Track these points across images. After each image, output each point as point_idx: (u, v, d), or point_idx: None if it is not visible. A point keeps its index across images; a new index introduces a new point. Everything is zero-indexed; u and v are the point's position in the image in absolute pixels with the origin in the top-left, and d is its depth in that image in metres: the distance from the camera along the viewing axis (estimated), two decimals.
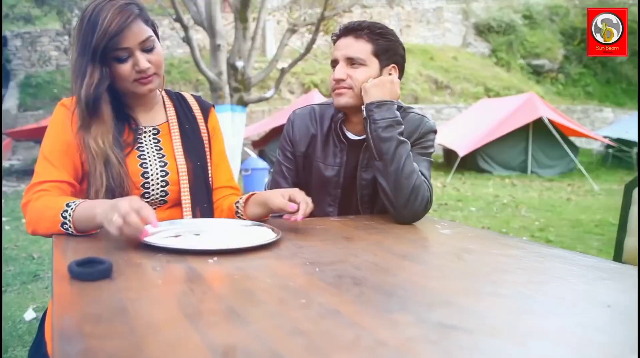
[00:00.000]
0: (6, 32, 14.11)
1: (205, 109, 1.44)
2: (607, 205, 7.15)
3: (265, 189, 1.52)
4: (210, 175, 1.37)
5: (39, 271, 3.34)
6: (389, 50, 1.42)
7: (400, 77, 1.47)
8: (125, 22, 1.15)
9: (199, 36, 9.75)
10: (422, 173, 1.37)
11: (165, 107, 1.38)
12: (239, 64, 7.37)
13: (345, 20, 9.40)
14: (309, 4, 8.77)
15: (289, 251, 0.97)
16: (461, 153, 10.31)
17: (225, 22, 7.66)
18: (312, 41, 7.25)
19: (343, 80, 1.40)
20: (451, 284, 0.80)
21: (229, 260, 0.89)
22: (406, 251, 1.01)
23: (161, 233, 1.05)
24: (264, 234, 1.08)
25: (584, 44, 19.52)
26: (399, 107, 1.44)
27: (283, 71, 7.50)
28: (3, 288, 2.99)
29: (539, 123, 10.71)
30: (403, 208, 1.30)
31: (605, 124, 16.40)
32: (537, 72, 20.28)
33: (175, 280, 0.78)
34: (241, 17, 7.36)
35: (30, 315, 2.74)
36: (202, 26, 7.46)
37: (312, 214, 1.52)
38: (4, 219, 5.41)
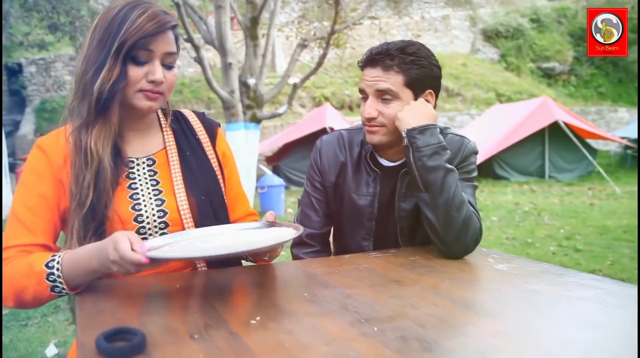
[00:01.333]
0: (21, 59, 14.31)
1: (212, 131, 1.25)
2: (632, 209, 6.95)
3: (295, 221, 1.42)
4: (225, 208, 1.19)
5: (59, 302, 3.27)
6: (423, 77, 1.28)
7: (435, 99, 1.34)
8: (162, 27, 1.05)
9: (209, 54, 9.77)
10: (469, 202, 1.26)
11: (162, 131, 1.19)
12: (251, 81, 7.32)
13: (355, 33, 9.37)
14: (318, 18, 8.73)
15: (337, 303, 0.87)
16: (477, 160, 10.15)
17: (234, 39, 7.64)
18: (324, 55, 7.18)
19: (374, 118, 1.28)
20: (536, 345, 0.70)
21: (273, 321, 0.79)
22: (468, 299, 0.91)
23: (164, 248, 0.95)
24: (283, 233, 0.98)
25: None
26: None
27: (295, 87, 7.44)
28: (24, 322, 2.93)
29: (554, 127, 10.55)
30: (453, 243, 1.19)
31: (621, 124, 16.12)
32: (548, 75, 20.08)
33: (219, 352, 0.69)
34: (251, 34, 7.33)
35: (51, 350, 2.68)
36: (212, 45, 7.44)
37: (346, 249, 1.42)
38: None
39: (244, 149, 7.35)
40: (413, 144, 1.22)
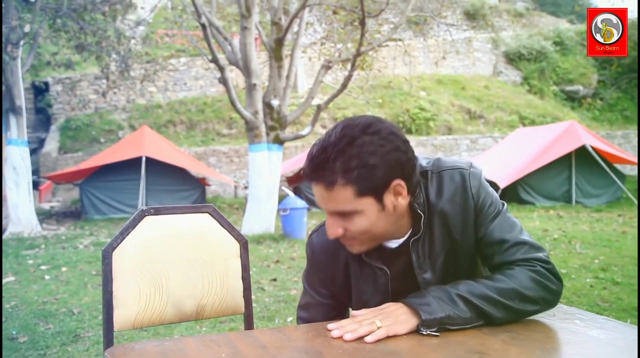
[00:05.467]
0: (48, 78, 14.61)
1: None
2: None
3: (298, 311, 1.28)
4: None
5: (79, 330, 3.18)
6: (381, 175, 1.00)
7: (412, 172, 1.06)
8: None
9: (232, 75, 9.82)
10: (517, 243, 1.07)
11: None
12: (275, 102, 7.29)
13: (379, 55, 9.31)
14: (342, 40, 8.72)
15: None
16: (502, 184, 9.94)
17: (258, 60, 7.64)
18: (349, 77, 7.12)
19: (342, 235, 1.06)
20: None
21: None
22: None
23: None
24: None
25: (621, 68, 19.06)
26: (424, 173, 1.11)
27: (319, 108, 7.39)
28: (42, 351, 2.83)
29: (581, 151, 10.33)
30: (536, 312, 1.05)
31: None
32: (572, 98, 19.84)
33: None
34: (276, 55, 7.32)
35: None
36: (237, 66, 7.46)
37: None
38: (43, 268, 5.34)
39: (266, 171, 7.28)
40: (441, 330, 0.99)
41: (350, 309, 1.22)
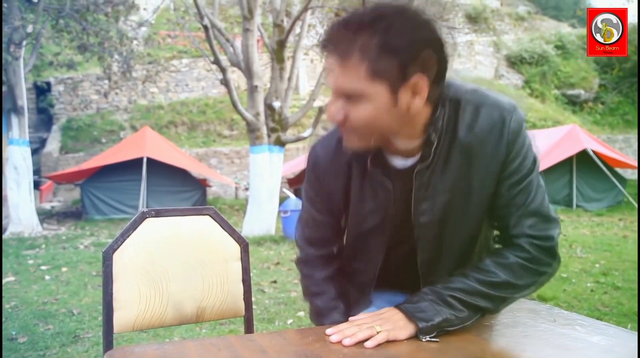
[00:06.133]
0: (50, 78, 14.62)
1: None
2: None
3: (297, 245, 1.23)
4: None
5: (78, 331, 3.17)
6: (399, 60, 0.88)
7: (439, 78, 0.94)
8: None
9: (234, 76, 9.83)
10: (534, 213, 1.00)
11: None
12: (276, 104, 7.30)
13: None
14: None
15: None
16: None
17: (260, 62, 7.65)
18: None
19: (341, 120, 0.95)
20: None
21: None
22: None
23: None
24: None
25: (623, 72, 19.06)
26: (458, 100, 0.98)
27: (321, 110, 7.39)
28: (42, 352, 2.83)
29: (582, 155, 10.34)
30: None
31: None
32: (573, 102, 19.84)
33: None
34: (278, 57, 7.33)
35: None
36: (238, 67, 7.46)
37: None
38: (43, 268, 5.34)
39: (267, 172, 7.28)
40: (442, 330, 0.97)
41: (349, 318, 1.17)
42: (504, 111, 0.99)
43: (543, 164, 10.41)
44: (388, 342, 0.93)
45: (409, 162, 1.02)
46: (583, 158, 10.41)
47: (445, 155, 1.00)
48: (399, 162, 1.03)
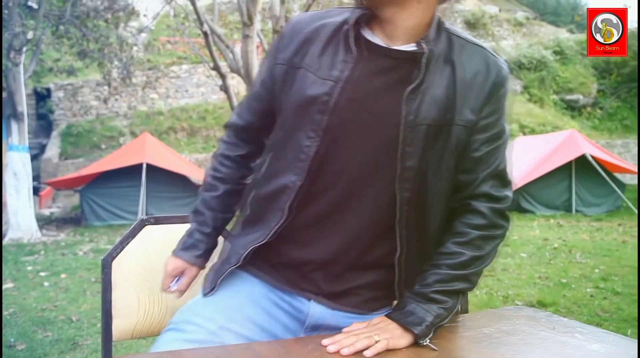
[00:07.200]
0: (50, 84, 14.65)
1: None
2: None
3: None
4: None
5: (77, 338, 3.17)
6: None
7: None
8: None
9: (233, 82, 9.85)
10: (495, 175, 1.01)
11: None
12: None
13: None
14: None
15: None
16: None
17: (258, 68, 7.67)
18: None
19: None
20: None
21: None
22: None
23: None
24: None
25: (621, 77, 19.10)
26: (451, 34, 0.99)
27: None
28: None
29: (581, 160, 10.36)
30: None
31: None
32: (572, 107, 19.88)
33: None
34: None
35: None
36: (238, 74, 7.48)
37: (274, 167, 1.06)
38: (42, 274, 5.33)
39: None
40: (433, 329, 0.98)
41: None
42: (497, 59, 1.02)
43: (542, 170, 10.43)
44: (387, 350, 0.93)
45: (401, 47, 0.96)
46: (582, 163, 10.43)
47: (434, 68, 0.96)
48: (377, 39, 0.98)
